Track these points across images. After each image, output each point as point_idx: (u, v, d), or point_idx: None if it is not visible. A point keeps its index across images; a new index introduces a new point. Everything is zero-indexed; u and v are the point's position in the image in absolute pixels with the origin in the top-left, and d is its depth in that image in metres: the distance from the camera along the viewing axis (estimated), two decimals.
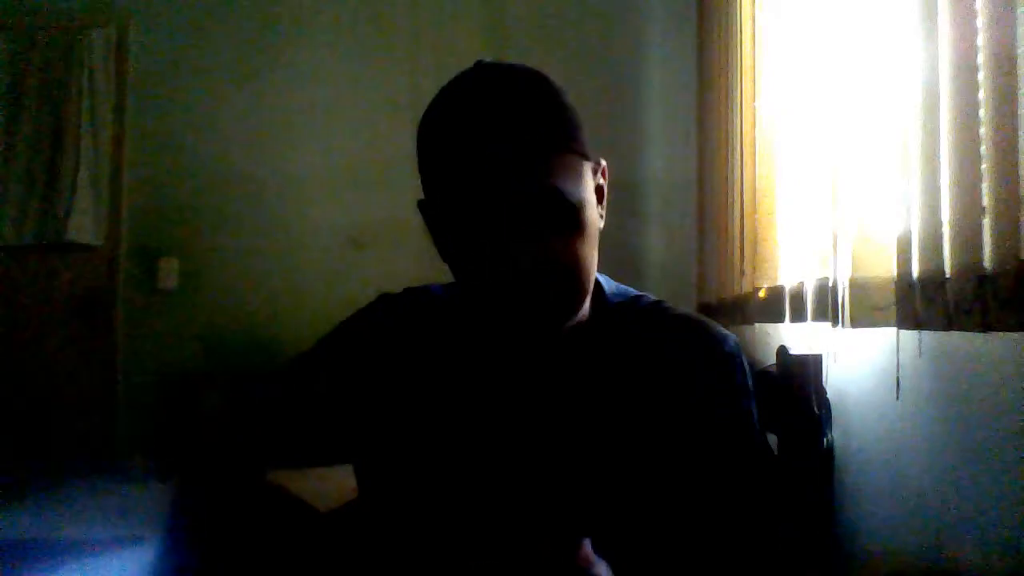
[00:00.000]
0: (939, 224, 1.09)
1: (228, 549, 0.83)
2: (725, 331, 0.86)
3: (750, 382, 0.85)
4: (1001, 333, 0.96)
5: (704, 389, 0.82)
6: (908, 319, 1.18)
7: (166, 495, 0.89)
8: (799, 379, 1.65)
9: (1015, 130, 0.93)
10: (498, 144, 0.73)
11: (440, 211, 0.79)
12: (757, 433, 0.84)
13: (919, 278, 1.15)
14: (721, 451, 0.81)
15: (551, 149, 0.75)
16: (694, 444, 0.81)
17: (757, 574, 0.80)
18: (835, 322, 1.44)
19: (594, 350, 0.84)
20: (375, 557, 0.81)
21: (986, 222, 0.98)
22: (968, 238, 1.01)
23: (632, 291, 0.91)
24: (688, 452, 0.80)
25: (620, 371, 0.83)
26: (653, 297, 0.90)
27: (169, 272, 3.28)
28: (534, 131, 0.74)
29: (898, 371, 1.28)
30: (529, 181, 0.73)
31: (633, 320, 0.86)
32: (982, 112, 0.99)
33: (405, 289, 0.94)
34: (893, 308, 1.25)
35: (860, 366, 1.59)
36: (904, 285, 1.20)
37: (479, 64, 0.80)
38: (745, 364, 0.84)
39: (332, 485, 0.88)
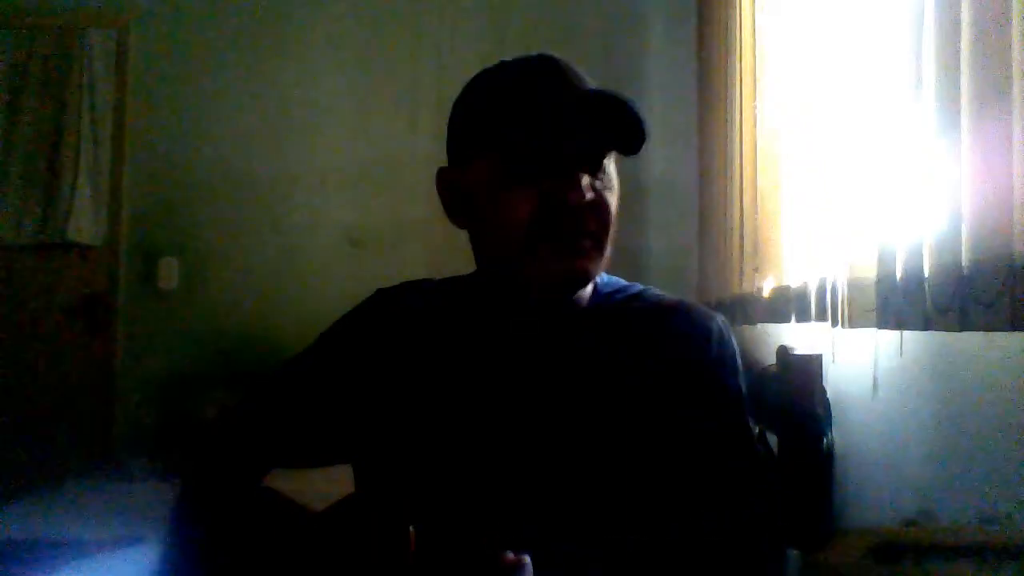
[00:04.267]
0: (920, 225, 1.10)
1: (229, 553, 0.82)
2: (712, 312, 0.88)
3: (738, 360, 0.86)
4: (1003, 333, 0.96)
5: (695, 366, 0.83)
6: (889, 319, 1.19)
7: (168, 498, 0.89)
8: (799, 379, 1.65)
9: (999, 135, 0.93)
10: (577, 89, 0.81)
11: (488, 163, 0.80)
12: (745, 413, 0.85)
13: (901, 279, 1.16)
14: (711, 430, 0.82)
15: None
16: (686, 424, 0.81)
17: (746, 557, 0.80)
18: (834, 322, 1.44)
19: (593, 336, 0.84)
20: (373, 552, 0.81)
21: (964, 226, 0.99)
22: (947, 240, 1.02)
23: (621, 281, 0.91)
24: (680, 432, 0.81)
25: (618, 357, 0.83)
26: (641, 286, 0.91)
27: (169, 272, 3.27)
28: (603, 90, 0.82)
29: (881, 370, 1.29)
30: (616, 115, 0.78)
31: (627, 306, 0.87)
32: (963, 118, 0.99)
33: (402, 283, 0.95)
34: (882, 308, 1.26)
35: (860, 366, 1.59)
36: (886, 286, 1.20)
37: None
38: (733, 342, 0.86)
39: (327, 485, 0.88)
